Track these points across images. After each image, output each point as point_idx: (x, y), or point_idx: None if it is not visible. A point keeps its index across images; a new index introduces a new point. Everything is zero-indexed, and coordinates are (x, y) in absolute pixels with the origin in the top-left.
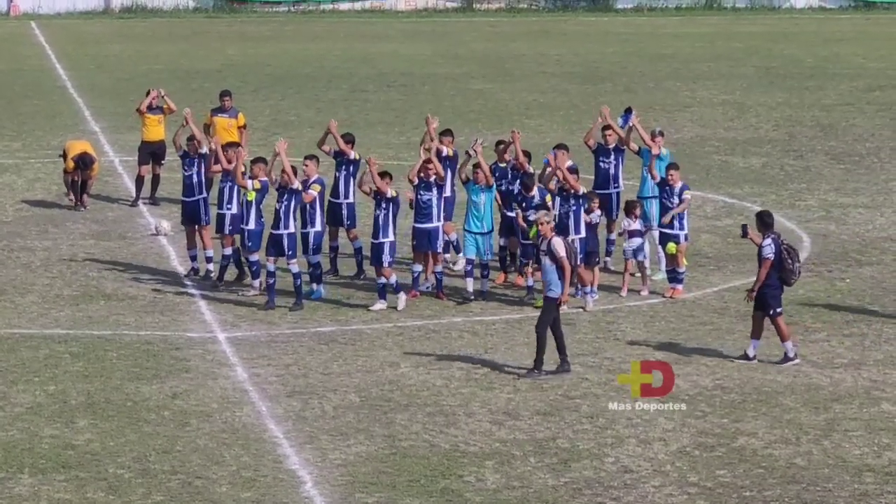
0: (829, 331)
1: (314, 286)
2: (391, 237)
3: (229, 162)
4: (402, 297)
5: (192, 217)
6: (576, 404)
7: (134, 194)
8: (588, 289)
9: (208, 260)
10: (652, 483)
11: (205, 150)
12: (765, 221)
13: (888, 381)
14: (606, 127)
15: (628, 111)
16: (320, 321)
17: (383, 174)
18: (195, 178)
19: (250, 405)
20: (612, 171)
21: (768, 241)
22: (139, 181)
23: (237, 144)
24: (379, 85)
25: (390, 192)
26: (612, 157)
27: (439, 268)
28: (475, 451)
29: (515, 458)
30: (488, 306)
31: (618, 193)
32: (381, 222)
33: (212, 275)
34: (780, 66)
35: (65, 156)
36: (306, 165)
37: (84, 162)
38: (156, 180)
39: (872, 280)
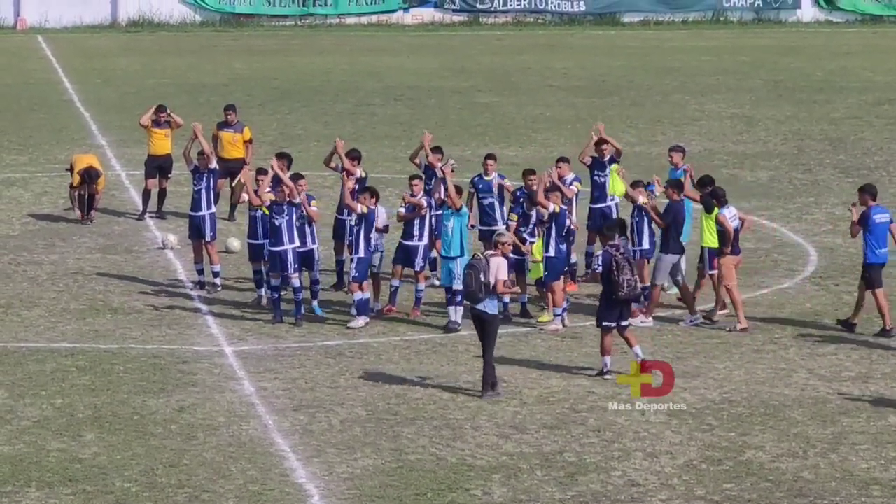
0: (837, 344)
1: (315, 303)
2: (360, 253)
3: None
4: (360, 319)
5: (198, 232)
6: (583, 418)
7: (141, 208)
8: (563, 307)
9: (215, 275)
10: (659, 497)
11: (214, 164)
12: (606, 235)
13: (895, 394)
14: (601, 142)
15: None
16: (327, 335)
17: (365, 189)
18: (204, 193)
19: (257, 419)
20: (608, 183)
21: (601, 251)
22: (146, 195)
23: (263, 171)
24: (386, 98)
25: (360, 209)
26: (607, 170)
27: (420, 286)
28: (482, 465)
29: (522, 472)
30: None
31: (616, 205)
32: (353, 239)
33: (218, 289)
34: (789, 80)
35: (71, 170)
36: (300, 186)
37: (90, 176)
38: (162, 194)
39: None
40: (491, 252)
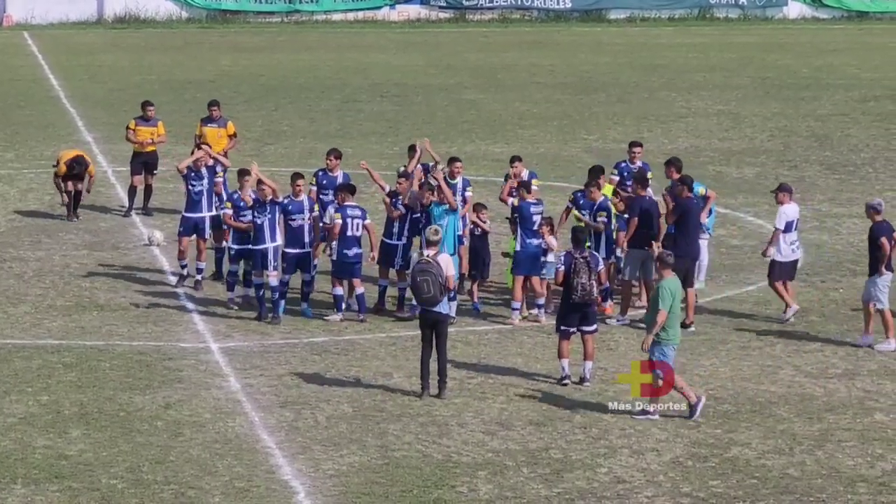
0: (823, 341)
1: (304, 304)
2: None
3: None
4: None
5: (196, 230)
6: (569, 415)
7: (127, 205)
8: (541, 301)
9: (198, 271)
10: (645, 493)
11: (211, 162)
12: (576, 237)
13: (881, 391)
14: (634, 144)
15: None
16: (313, 332)
17: (345, 187)
18: (205, 195)
19: (243, 415)
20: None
21: (562, 254)
22: (132, 191)
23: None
24: (372, 95)
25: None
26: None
27: (402, 284)
28: (468, 462)
29: (508, 469)
30: (481, 317)
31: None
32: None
33: (201, 286)
34: (775, 77)
35: (58, 164)
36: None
37: (78, 163)
38: (148, 191)
39: None
40: (430, 252)
